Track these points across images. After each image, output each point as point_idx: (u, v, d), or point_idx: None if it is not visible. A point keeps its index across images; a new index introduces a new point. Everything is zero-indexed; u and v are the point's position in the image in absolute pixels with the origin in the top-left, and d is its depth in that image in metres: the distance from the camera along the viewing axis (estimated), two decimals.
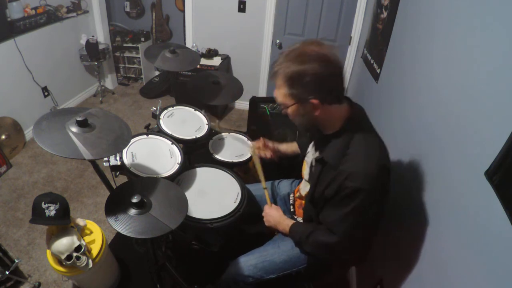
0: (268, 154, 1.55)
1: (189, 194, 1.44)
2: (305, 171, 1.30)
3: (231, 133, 1.96)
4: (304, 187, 1.31)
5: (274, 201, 1.60)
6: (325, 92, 0.99)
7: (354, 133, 1.05)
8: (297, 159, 1.54)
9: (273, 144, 1.57)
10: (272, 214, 1.34)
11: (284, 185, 1.63)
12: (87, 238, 1.60)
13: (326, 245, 1.13)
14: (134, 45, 4.01)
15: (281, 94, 1.03)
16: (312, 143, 1.29)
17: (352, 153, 1.02)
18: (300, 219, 1.39)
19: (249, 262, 1.31)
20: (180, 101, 1.98)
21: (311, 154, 1.27)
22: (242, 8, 3.37)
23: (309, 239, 1.17)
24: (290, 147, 1.59)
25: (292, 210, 1.48)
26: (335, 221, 1.08)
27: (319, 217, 1.16)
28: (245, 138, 1.94)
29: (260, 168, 1.48)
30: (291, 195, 1.52)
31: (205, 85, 1.95)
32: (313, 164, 1.19)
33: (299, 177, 1.48)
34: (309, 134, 1.36)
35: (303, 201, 1.32)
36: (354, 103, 1.13)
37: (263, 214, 1.38)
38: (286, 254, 1.30)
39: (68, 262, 1.42)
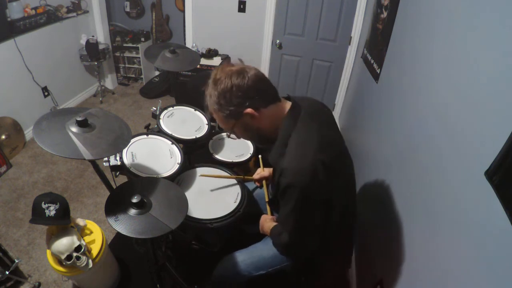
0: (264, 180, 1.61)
1: (189, 194, 1.44)
2: None
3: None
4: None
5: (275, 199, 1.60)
6: (252, 98, 1.01)
7: (292, 131, 1.04)
8: None
9: (270, 172, 1.59)
10: (261, 221, 1.39)
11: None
12: (87, 238, 1.60)
13: (284, 245, 1.18)
14: (134, 45, 4.01)
15: (220, 122, 1.08)
16: None
17: (288, 151, 1.02)
18: None
19: (238, 258, 1.32)
20: (180, 101, 1.98)
21: None
22: (242, 8, 3.37)
23: (277, 240, 1.22)
24: None
25: None
26: (282, 221, 1.12)
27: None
28: None
29: (266, 187, 1.56)
30: None
31: (205, 85, 1.95)
32: None
33: None
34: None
35: None
36: (297, 99, 1.12)
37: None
38: (274, 249, 1.30)
39: (68, 262, 1.42)
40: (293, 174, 0.98)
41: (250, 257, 1.32)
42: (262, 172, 1.57)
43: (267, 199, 1.50)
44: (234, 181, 1.57)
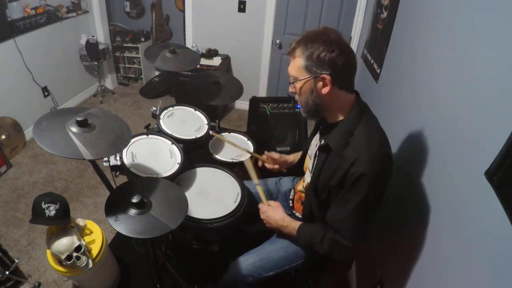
0: (275, 166, 1.57)
1: (189, 194, 1.44)
2: (309, 164, 1.30)
3: (231, 133, 1.97)
4: (307, 178, 1.29)
5: (276, 197, 1.59)
6: (338, 74, 1.01)
7: (359, 122, 1.06)
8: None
9: (280, 156, 1.56)
10: (272, 215, 1.29)
11: (285, 182, 1.63)
12: (87, 238, 1.60)
13: (343, 245, 1.10)
14: (134, 45, 4.01)
15: (295, 67, 1.06)
16: (315, 137, 1.29)
17: (356, 141, 1.04)
18: (298, 214, 1.39)
19: (247, 261, 1.32)
20: (180, 101, 1.98)
21: (314, 145, 1.27)
22: (242, 8, 3.37)
23: (325, 240, 1.14)
24: (297, 156, 1.58)
25: (291, 205, 1.48)
26: (346, 214, 1.05)
27: (326, 215, 1.14)
28: (245, 138, 1.94)
29: (251, 168, 1.48)
30: (292, 191, 1.53)
31: (205, 85, 1.95)
32: (317, 154, 1.19)
33: (300, 174, 1.48)
34: (314, 120, 1.34)
35: (303, 195, 1.32)
36: (361, 99, 1.15)
37: (261, 214, 1.34)
38: (283, 250, 1.31)
39: (68, 262, 1.42)
40: (367, 164, 0.98)
41: (259, 259, 1.31)
42: (272, 154, 1.54)
43: (257, 182, 1.43)
44: (234, 182, 1.56)
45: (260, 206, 1.36)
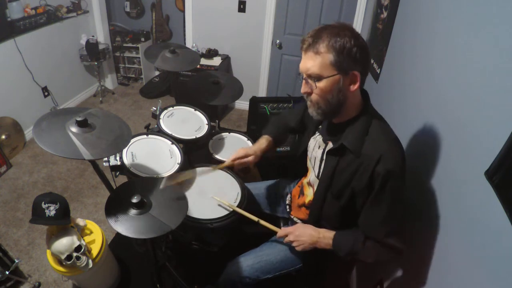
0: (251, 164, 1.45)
1: (189, 194, 1.44)
2: (315, 168, 1.22)
3: (231, 133, 1.97)
4: (314, 183, 1.23)
5: (273, 200, 1.58)
6: (365, 69, 0.98)
7: (371, 119, 1.03)
8: (295, 158, 1.51)
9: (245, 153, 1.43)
10: (303, 231, 1.17)
11: (283, 185, 1.62)
12: (87, 238, 1.60)
13: (389, 246, 1.05)
14: (134, 45, 4.01)
15: (320, 64, 0.94)
16: (314, 138, 1.24)
17: (374, 138, 1.00)
18: (296, 219, 1.37)
19: (246, 263, 1.31)
20: (180, 101, 1.98)
21: (315, 147, 1.20)
22: (242, 8, 3.37)
23: (367, 245, 1.07)
24: (261, 145, 1.46)
25: (288, 210, 1.47)
26: (384, 220, 1.02)
27: (360, 220, 1.08)
28: (245, 138, 1.94)
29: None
30: (289, 195, 1.52)
31: (205, 85, 1.95)
32: (324, 157, 1.13)
33: (297, 177, 1.48)
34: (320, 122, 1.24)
35: (307, 199, 1.30)
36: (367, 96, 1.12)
37: (290, 237, 1.19)
38: (282, 253, 1.30)
39: (68, 262, 1.42)
40: (392, 161, 0.96)
41: (258, 261, 1.30)
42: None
43: (256, 219, 1.29)
44: (234, 182, 1.56)
45: (282, 231, 1.22)
